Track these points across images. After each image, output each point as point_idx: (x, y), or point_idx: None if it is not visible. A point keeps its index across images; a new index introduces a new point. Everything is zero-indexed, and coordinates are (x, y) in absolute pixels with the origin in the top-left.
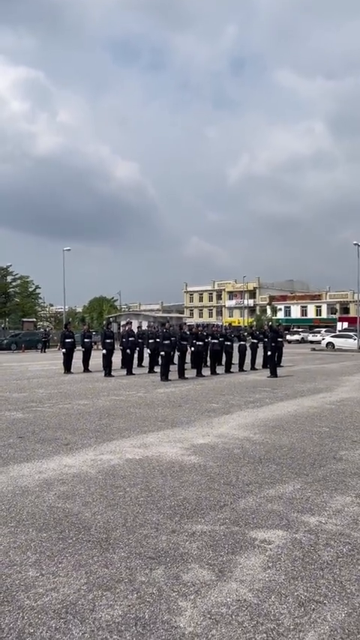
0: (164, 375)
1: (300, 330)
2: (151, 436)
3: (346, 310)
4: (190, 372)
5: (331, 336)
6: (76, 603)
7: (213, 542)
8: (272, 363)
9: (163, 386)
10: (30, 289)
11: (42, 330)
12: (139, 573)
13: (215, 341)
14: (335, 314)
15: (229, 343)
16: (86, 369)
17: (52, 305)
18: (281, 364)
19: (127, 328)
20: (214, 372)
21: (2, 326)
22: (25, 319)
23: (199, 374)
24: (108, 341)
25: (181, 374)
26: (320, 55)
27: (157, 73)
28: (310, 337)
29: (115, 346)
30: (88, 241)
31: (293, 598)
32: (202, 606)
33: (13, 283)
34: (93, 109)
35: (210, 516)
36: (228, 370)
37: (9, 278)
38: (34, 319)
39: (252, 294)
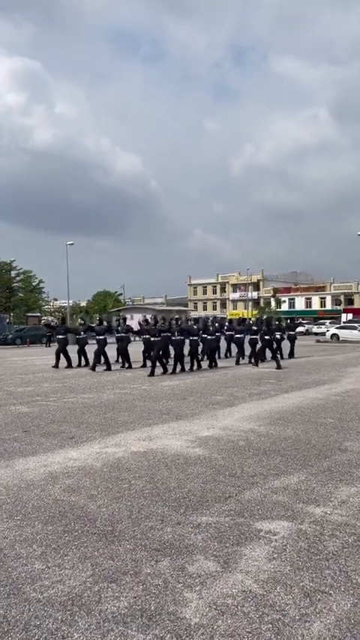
0: (174, 369)
1: (304, 321)
2: (155, 429)
3: (350, 302)
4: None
5: (336, 328)
6: (82, 595)
7: (218, 533)
8: (274, 356)
9: (168, 379)
10: (33, 284)
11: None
12: (144, 565)
13: (218, 334)
14: (340, 305)
15: (239, 336)
16: (87, 363)
17: (56, 299)
18: (294, 356)
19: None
20: (213, 365)
21: (7, 321)
22: (29, 314)
23: (198, 367)
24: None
25: (183, 367)
26: (325, 41)
27: (157, 63)
28: (315, 329)
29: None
30: (90, 235)
31: (299, 588)
32: (208, 597)
33: (17, 278)
34: (92, 101)
35: (215, 508)
36: (237, 363)
37: (13, 273)
38: (39, 314)
39: (256, 286)
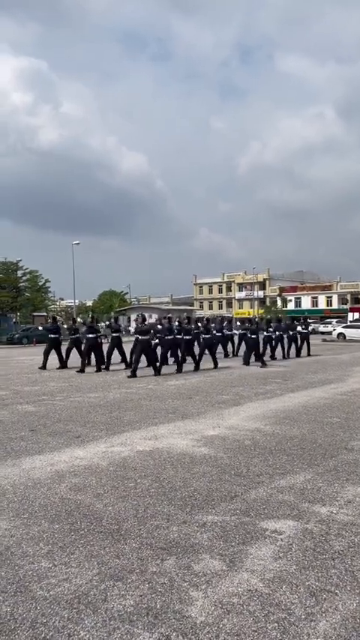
0: (179, 369)
1: (311, 320)
2: (161, 428)
3: (357, 301)
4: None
5: (343, 327)
6: (88, 594)
7: (224, 532)
8: (259, 354)
9: (174, 378)
10: (40, 283)
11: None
12: (150, 564)
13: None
14: (346, 304)
15: (254, 336)
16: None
17: (62, 299)
18: (310, 354)
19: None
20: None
21: (13, 320)
22: (35, 314)
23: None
24: (115, 335)
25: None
26: (331, 40)
27: (164, 62)
28: (321, 328)
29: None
30: (96, 234)
31: (304, 588)
32: (214, 596)
33: (23, 278)
34: (99, 100)
35: (221, 507)
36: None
37: (19, 272)
38: (45, 313)
39: (262, 285)
